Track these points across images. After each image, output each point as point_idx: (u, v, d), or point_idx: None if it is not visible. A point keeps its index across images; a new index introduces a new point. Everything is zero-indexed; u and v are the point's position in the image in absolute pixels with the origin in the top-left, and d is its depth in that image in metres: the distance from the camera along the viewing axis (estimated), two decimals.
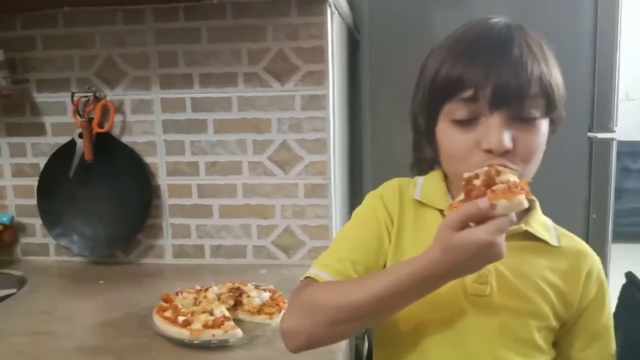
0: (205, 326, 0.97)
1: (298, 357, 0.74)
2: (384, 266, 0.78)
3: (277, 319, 1.03)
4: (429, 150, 0.80)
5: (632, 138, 4.25)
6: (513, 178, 0.64)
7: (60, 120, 1.44)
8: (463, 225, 0.61)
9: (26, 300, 1.23)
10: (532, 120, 0.70)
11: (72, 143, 1.42)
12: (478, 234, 0.59)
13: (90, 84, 1.40)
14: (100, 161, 1.41)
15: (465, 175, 0.65)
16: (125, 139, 1.42)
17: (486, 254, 0.60)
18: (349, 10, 1.56)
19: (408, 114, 0.82)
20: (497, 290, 0.74)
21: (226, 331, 0.96)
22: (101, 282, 1.32)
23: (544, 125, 0.71)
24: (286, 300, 1.09)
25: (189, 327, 0.97)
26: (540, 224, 0.78)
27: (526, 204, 0.60)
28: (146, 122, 1.41)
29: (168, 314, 1.01)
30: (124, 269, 1.43)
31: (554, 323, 0.77)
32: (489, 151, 0.68)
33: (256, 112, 1.37)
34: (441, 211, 0.77)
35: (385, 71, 1.63)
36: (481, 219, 0.60)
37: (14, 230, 1.50)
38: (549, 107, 0.71)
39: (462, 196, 0.64)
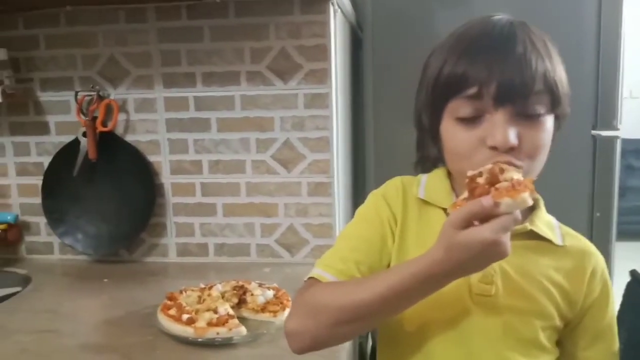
0: (210, 324, 0.97)
1: (301, 355, 0.74)
2: (388, 266, 0.78)
3: (281, 317, 1.03)
4: (432, 149, 0.79)
5: (636, 136, 4.22)
6: (517, 176, 0.63)
7: (64, 119, 1.44)
8: (467, 224, 0.60)
9: (31, 299, 1.23)
10: (537, 116, 0.69)
11: (75, 142, 1.42)
12: (482, 232, 0.59)
13: (94, 83, 1.41)
14: (104, 160, 1.41)
15: (469, 173, 0.64)
16: (129, 138, 1.43)
17: (490, 252, 0.60)
18: (351, 9, 1.56)
19: (411, 112, 0.81)
20: (502, 290, 0.74)
21: (230, 329, 0.96)
22: (105, 280, 1.33)
23: (549, 121, 0.71)
24: (290, 298, 1.09)
25: (193, 325, 0.97)
26: (545, 223, 0.78)
27: (530, 202, 0.60)
28: (149, 120, 1.41)
29: (172, 312, 1.02)
30: (128, 268, 1.43)
31: (558, 322, 0.76)
32: (494, 148, 0.68)
33: (259, 111, 1.37)
34: (445, 210, 0.76)
35: (388, 69, 1.63)
36: (485, 217, 0.59)
37: (18, 228, 1.50)
38: (554, 104, 0.70)
39: (465, 194, 0.64)
